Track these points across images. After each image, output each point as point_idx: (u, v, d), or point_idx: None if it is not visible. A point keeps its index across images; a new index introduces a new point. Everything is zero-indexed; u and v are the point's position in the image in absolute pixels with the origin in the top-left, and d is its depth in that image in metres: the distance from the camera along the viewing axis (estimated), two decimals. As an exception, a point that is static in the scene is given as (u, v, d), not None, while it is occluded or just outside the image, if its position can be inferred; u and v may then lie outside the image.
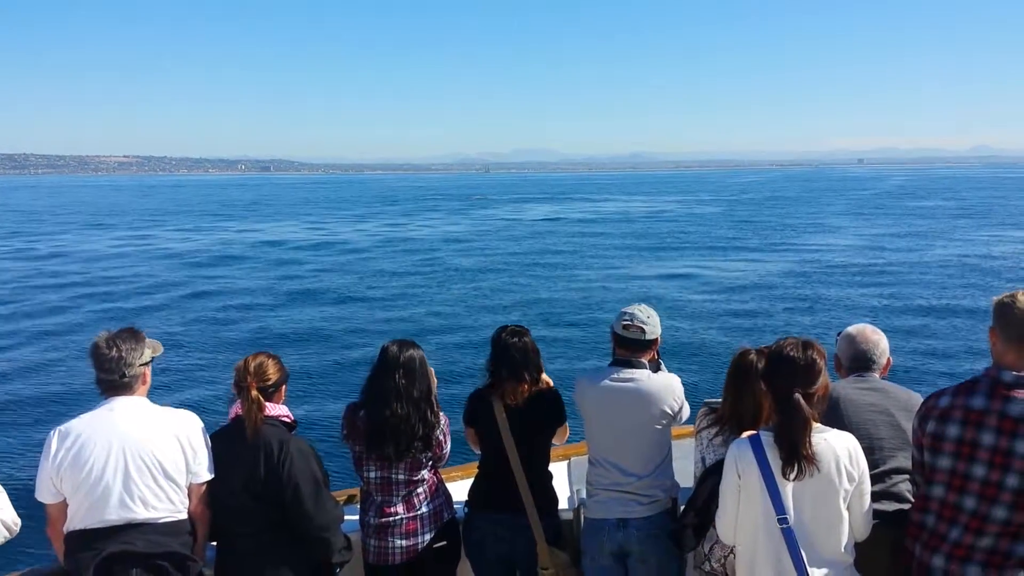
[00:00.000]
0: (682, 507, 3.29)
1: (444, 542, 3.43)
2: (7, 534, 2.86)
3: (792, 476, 2.59)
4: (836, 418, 3.03)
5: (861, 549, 2.80)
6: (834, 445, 2.65)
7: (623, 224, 50.61)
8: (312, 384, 13.73)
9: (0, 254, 37.87)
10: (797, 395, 2.60)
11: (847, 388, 3.23)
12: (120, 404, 2.98)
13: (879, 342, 3.34)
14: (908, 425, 3.15)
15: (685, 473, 3.44)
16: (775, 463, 2.62)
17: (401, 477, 3.35)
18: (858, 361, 3.33)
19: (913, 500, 3.13)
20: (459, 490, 3.68)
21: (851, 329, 3.42)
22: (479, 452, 3.61)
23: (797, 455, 2.58)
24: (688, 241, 38.40)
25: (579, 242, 38.92)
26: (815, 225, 46.67)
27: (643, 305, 3.42)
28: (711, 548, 3.16)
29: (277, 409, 3.16)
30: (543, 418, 3.51)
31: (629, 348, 3.36)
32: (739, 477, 2.69)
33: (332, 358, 15.93)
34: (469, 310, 21.29)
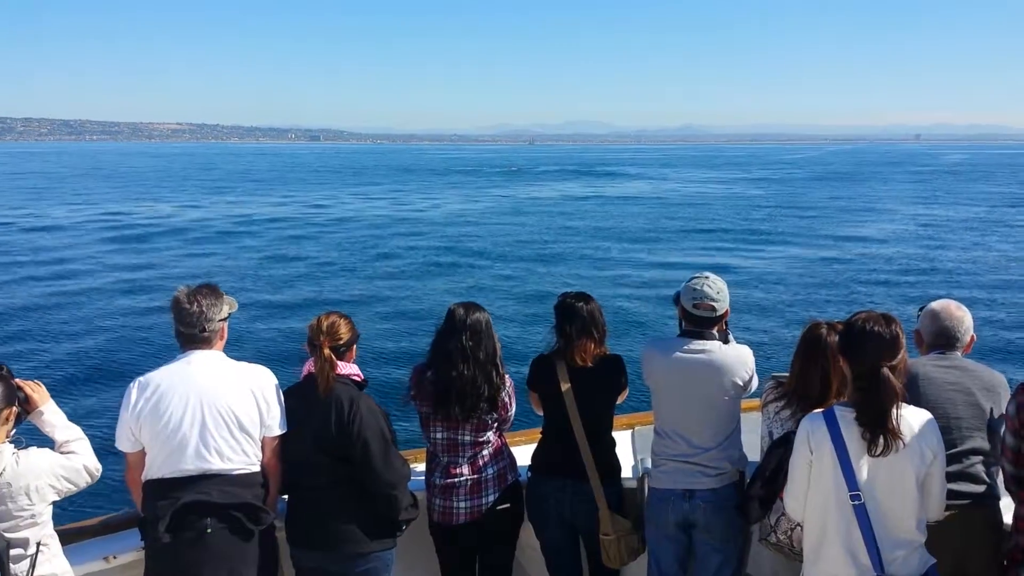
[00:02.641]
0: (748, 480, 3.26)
1: (507, 504, 3.45)
2: (89, 479, 2.96)
3: (878, 452, 2.54)
4: (914, 395, 2.95)
5: (934, 530, 2.74)
6: (911, 422, 2.60)
7: (676, 201, 49.74)
8: (379, 345, 13.92)
9: (83, 213, 39.22)
10: (886, 370, 2.55)
11: (927, 365, 3.14)
12: (198, 357, 3.04)
13: (963, 319, 3.22)
14: (989, 405, 3.07)
15: (752, 446, 3.40)
16: (850, 439, 2.58)
17: (467, 438, 3.37)
18: (941, 338, 3.22)
19: (988, 482, 3.04)
20: (523, 455, 3.70)
21: (935, 305, 3.30)
22: (542, 414, 3.61)
23: (884, 429, 2.53)
24: (744, 219, 37.56)
25: (629, 217, 38.53)
26: (875, 203, 45.34)
27: (711, 277, 3.33)
28: (777, 520, 3.12)
29: (348, 368, 3.20)
30: (606, 383, 3.49)
31: (699, 324, 3.31)
32: (811, 453, 2.65)
33: (399, 320, 16.21)
34: (531, 278, 21.35)
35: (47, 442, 2.95)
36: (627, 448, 3.96)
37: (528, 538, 3.62)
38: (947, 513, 2.82)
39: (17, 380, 2.90)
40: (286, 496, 3.27)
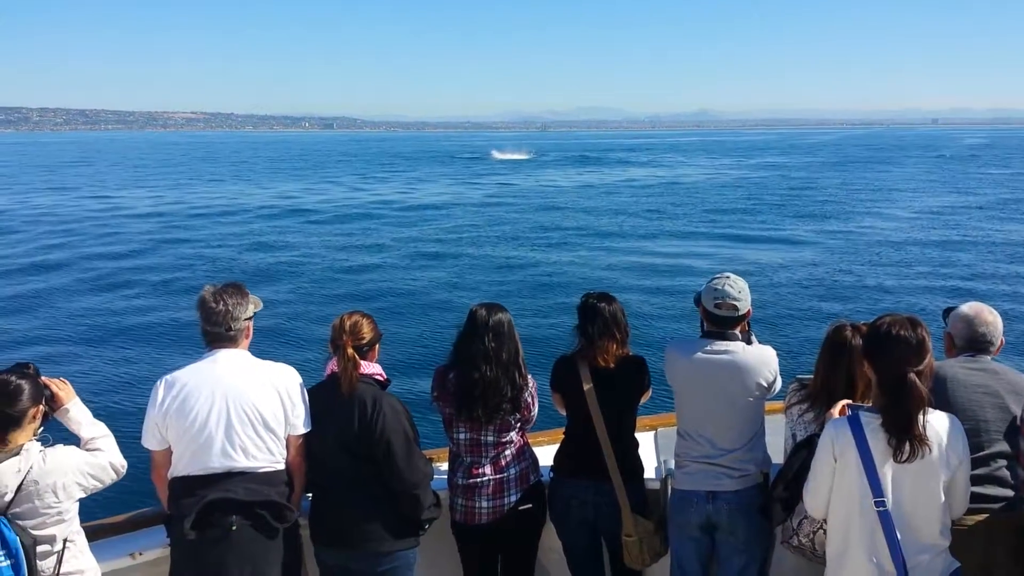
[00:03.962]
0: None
1: (529, 504, 3.45)
2: (114, 476, 2.99)
3: (903, 458, 2.52)
4: (942, 397, 2.92)
5: (961, 533, 2.72)
6: (937, 428, 2.58)
7: (694, 191, 49.06)
8: (401, 345, 13.82)
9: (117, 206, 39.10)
10: (913, 376, 2.52)
11: (955, 368, 3.10)
12: (223, 356, 3.06)
13: (996, 323, 3.18)
14: (1017, 409, 3.04)
15: (775, 448, 3.38)
16: (875, 445, 2.56)
17: (490, 439, 3.37)
18: (976, 344, 3.17)
19: (1015, 485, 3.01)
20: (545, 455, 3.69)
21: (967, 309, 3.24)
22: (565, 415, 3.60)
23: (910, 436, 2.51)
24: (764, 212, 36.88)
25: (645, 212, 38.04)
26: (897, 191, 44.54)
27: (732, 277, 3.30)
28: (800, 523, 3.11)
29: (371, 367, 3.21)
30: (629, 383, 3.47)
31: (721, 324, 3.29)
32: (835, 459, 2.63)
33: (421, 318, 16.11)
34: (554, 276, 21.10)
35: (73, 439, 2.98)
36: (650, 449, 3.94)
37: (550, 539, 3.61)
38: (974, 517, 2.80)
39: (43, 378, 2.92)
40: (310, 494, 3.28)
